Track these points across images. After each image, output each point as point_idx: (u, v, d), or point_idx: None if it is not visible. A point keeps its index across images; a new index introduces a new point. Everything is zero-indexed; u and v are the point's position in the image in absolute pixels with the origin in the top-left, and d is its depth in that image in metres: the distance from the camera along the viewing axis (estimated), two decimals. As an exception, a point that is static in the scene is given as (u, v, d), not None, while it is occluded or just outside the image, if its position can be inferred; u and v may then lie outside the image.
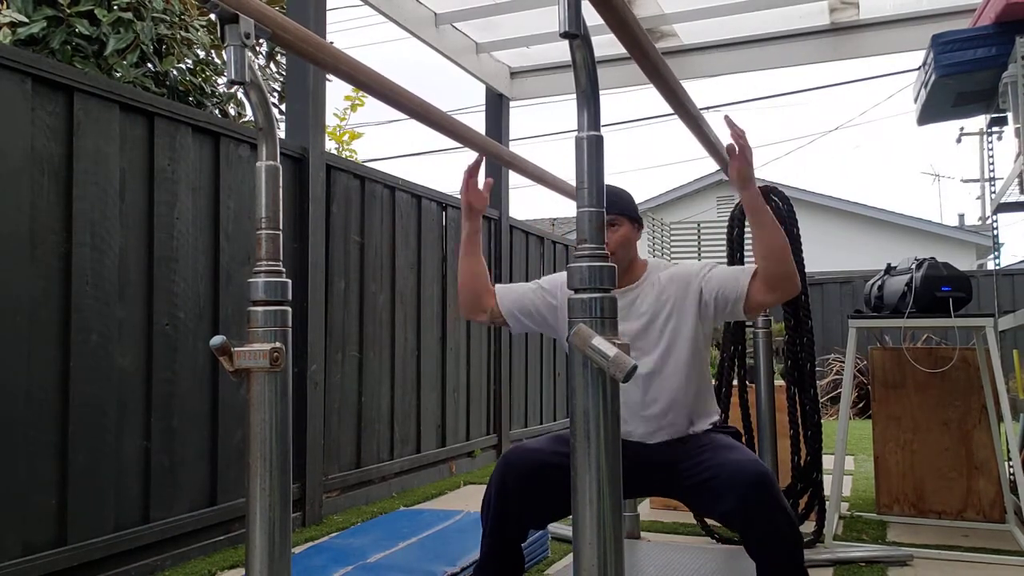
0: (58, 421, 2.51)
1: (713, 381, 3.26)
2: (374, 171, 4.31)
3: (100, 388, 2.64)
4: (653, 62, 1.50)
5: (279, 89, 4.59)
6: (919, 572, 2.73)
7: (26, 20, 3.32)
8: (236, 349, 1.29)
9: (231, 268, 3.21)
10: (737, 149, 1.98)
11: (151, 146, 2.87)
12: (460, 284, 2.27)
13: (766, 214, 1.99)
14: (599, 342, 1.11)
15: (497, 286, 2.29)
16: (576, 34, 1.13)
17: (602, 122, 1.22)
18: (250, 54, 1.29)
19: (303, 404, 3.53)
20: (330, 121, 5.38)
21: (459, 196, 2.24)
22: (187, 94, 4.09)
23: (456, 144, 2.04)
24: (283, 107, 4.04)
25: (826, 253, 12.34)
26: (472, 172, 2.19)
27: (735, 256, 3.21)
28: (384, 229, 4.30)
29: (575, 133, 1.19)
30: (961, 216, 22.82)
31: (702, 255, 11.75)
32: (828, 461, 3.34)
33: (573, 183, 1.23)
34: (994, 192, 3.64)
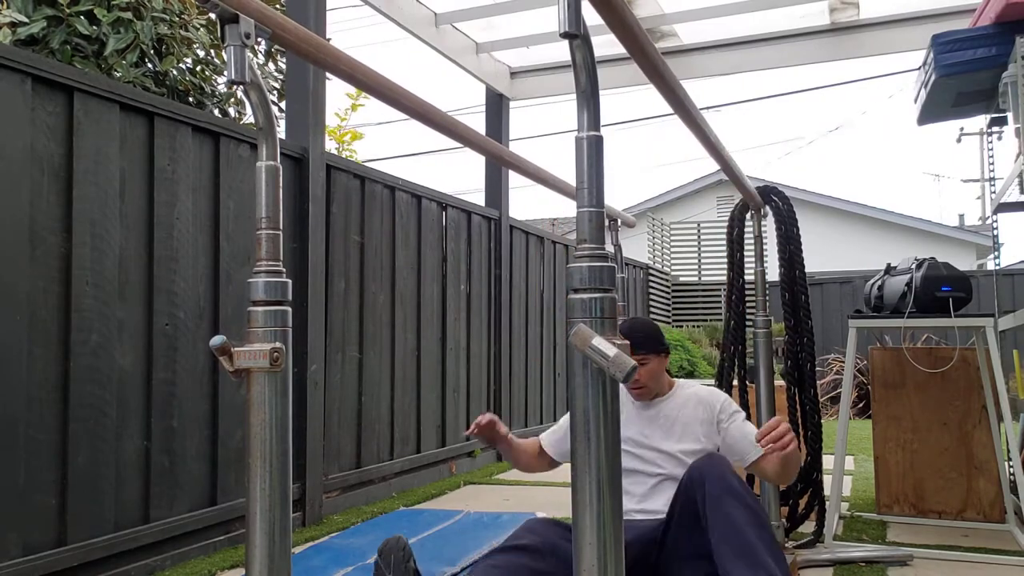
0: (58, 421, 2.51)
1: (713, 381, 3.25)
2: (374, 171, 4.31)
3: (100, 388, 2.64)
4: (653, 62, 1.49)
5: (279, 88, 4.58)
6: (919, 572, 2.73)
7: (26, 20, 3.32)
8: (236, 349, 1.29)
9: (231, 268, 3.21)
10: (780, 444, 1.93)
11: (151, 146, 2.87)
12: (515, 465, 2.55)
13: (796, 457, 2.12)
14: (599, 342, 1.11)
15: (542, 436, 2.56)
16: (576, 34, 1.13)
17: (602, 122, 1.22)
18: (250, 54, 1.29)
19: (303, 404, 3.53)
20: (331, 121, 5.39)
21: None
22: (187, 94, 4.09)
23: (456, 144, 2.04)
24: (283, 105, 4.04)
25: (826, 253, 12.36)
26: (481, 426, 2.24)
27: (735, 256, 3.20)
28: (384, 229, 4.30)
29: (575, 133, 1.19)
30: (961, 216, 22.87)
31: (702, 255, 11.76)
32: (828, 461, 3.34)
33: (573, 183, 1.23)
34: (994, 192, 3.64)
